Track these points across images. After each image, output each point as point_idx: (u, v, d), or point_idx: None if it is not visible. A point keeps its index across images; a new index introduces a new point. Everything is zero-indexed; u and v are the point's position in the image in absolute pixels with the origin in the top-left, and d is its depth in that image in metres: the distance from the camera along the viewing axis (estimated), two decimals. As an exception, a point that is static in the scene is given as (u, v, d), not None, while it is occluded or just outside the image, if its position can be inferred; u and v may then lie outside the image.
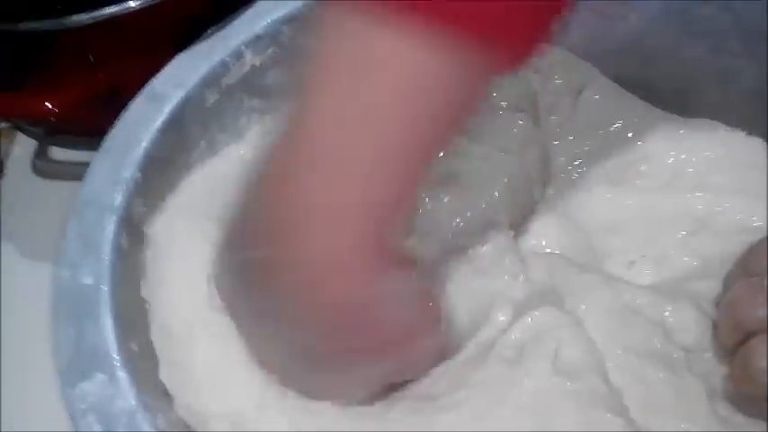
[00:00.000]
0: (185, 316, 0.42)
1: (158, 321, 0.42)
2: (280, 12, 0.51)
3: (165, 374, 0.41)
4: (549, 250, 0.47)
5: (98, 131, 0.47)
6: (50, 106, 0.54)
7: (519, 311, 0.41)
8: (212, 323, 0.41)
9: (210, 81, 0.49)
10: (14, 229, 0.61)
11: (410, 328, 0.38)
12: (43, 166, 0.64)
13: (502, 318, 0.41)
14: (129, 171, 0.45)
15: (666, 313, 0.42)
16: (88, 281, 0.41)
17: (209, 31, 0.51)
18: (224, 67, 0.50)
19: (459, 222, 0.47)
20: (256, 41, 0.51)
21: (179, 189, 0.48)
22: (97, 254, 0.42)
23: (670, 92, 0.54)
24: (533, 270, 0.44)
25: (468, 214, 0.48)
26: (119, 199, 0.44)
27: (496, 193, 0.48)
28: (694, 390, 0.40)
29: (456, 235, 0.47)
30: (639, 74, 0.55)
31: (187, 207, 0.46)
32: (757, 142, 0.51)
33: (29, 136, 0.64)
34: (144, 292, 0.44)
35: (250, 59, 0.51)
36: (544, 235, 0.48)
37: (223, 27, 0.51)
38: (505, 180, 0.49)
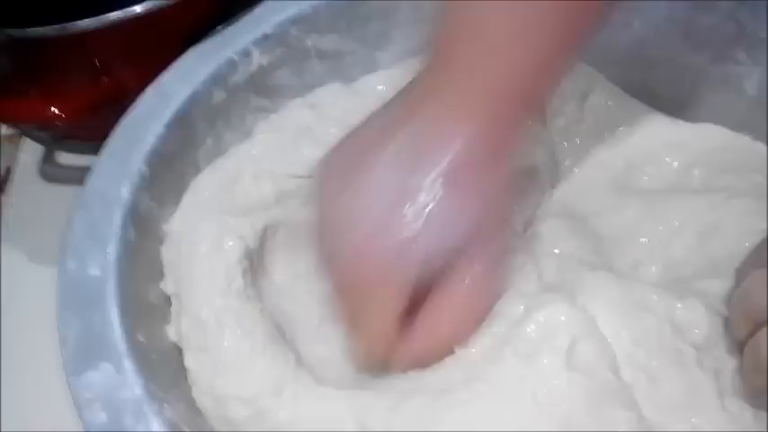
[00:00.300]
0: (213, 306, 0.42)
1: (187, 312, 0.43)
2: (288, 12, 0.52)
3: (190, 361, 0.42)
4: (557, 251, 0.47)
5: (105, 136, 0.48)
6: (57, 111, 0.54)
7: (531, 307, 0.41)
8: (238, 312, 0.42)
9: (218, 79, 0.50)
10: (22, 234, 0.61)
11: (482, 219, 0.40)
12: (50, 172, 0.65)
13: (515, 311, 0.41)
14: (136, 165, 0.45)
15: (678, 311, 0.42)
16: (95, 272, 0.41)
17: (217, 29, 0.51)
18: (231, 65, 0.50)
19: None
20: (264, 41, 0.51)
21: (191, 188, 0.48)
22: (104, 246, 0.42)
23: (673, 98, 0.55)
24: (544, 269, 0.44)
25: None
26: (125, 192, 0.44)
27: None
28: (704, 386, 0.40)
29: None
30: (643, 80, 0.55)
31: (202, 205, 0.47)
32: (762, 147, 0.51)
33: (36, 141, 0.64)
34: (169, 288, 0.45)
35: (258, 58, 0.51)
36: (553, 236, 0.48)
37: (231, 25, 0.51)
38: (515, 180, 0.49)
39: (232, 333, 0.41)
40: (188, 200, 0.48)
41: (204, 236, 0.44)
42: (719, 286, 0.43)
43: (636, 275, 0.46)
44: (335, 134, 0.49)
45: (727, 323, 0.41)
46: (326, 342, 0.44)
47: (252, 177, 0.48)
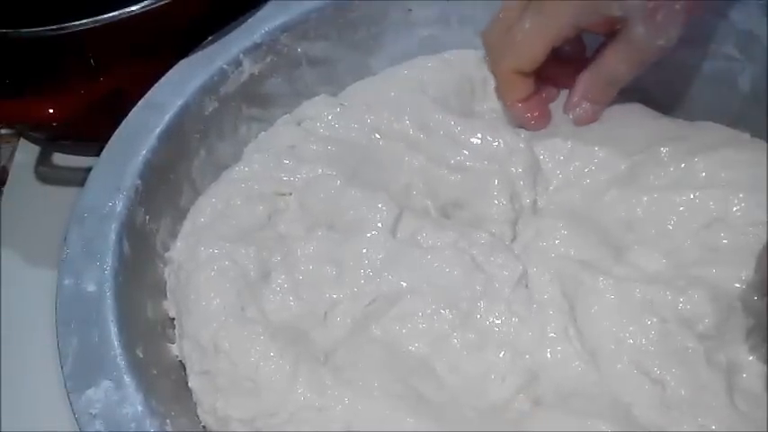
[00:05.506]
0: (211, 332, 0.43)
1: (187, 336, 0.44)
2: (278, 20, 0.52)
3: (193, 382, 0.43)
4: (563, 249, 0.47)
5: (100, 136, 0.48)
6: (52, 111, 0.54)
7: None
8: (239, 336, 0.42)
9: (209, 89, 0.50)
10: (17, 234, 0.62)
11: None
12: (46, 172, 0.65)
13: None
14: (130, 179, 0.46)
15: (680, 305, 0.43)
16: (91, 288, 0.42)
17: (208, 40, 0.51)
18: (222, 75, 0.51)
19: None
20: (255, 49, 0.51)
21: (190, 214, 0.49)
22: (100, 261, 0.43)
23: (667, 97, 0.55)
24: (543, 275, 0.46)
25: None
26: (119, 206, 0.45)
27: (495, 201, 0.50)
28: (713, 384, 0.41)
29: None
30: (637, 80, 0.55)
31: (200, 232, 0.48)
32: (760, 142, 0.51)
33: (32, 142, 0.64)
34: (171, 313, 0.46)
35: (248, 67, 0.52)
36: (556, 236, 0.48)
37: (222, 35, 0.52)
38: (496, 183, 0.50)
39: (228, 358, 0.41)
40: (187, 227, 0.48)
41: (201, 263, 0.45)
42: (726, 274, 0.44)
43: (641, 268, 0.46)
44: (319, 151, 0.50)
45: (735, 310, 0.43)
46: (334, 325, 0.45)
47: (243, 200, 0.49)
